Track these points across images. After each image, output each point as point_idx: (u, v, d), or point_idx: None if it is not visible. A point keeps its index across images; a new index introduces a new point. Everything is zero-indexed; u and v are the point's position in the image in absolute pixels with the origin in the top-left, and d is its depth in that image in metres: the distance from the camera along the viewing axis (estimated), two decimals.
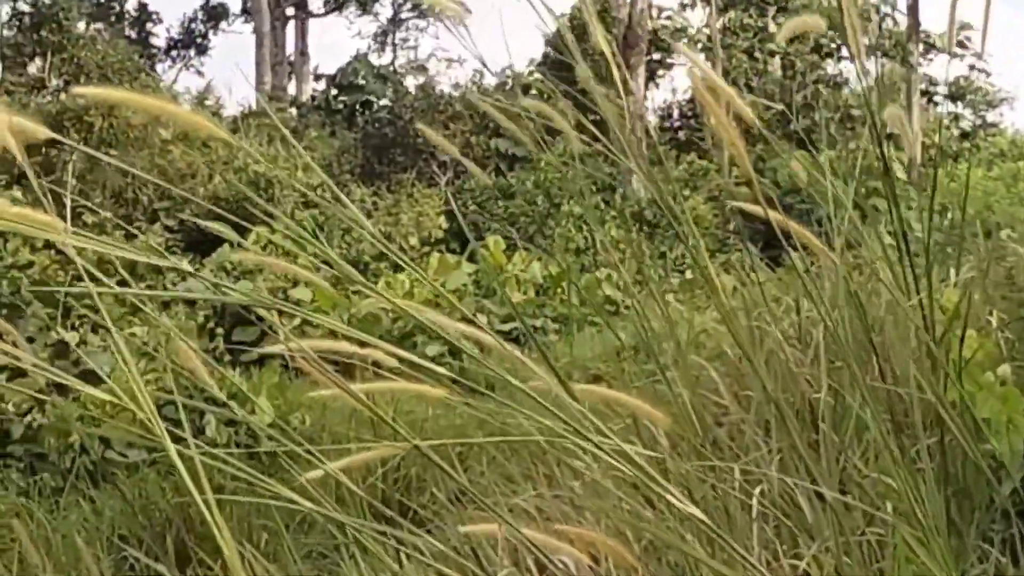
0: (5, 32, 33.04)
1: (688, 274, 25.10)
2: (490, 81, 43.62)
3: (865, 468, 3.39)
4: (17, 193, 29.32)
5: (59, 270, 23.70)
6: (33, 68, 34.76)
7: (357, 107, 44.01)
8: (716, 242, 31.11)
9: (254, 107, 42.15)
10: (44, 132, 1.89)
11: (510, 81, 42.91)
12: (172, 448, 1.77)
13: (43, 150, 31.51)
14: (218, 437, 9.43)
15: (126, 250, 2.03)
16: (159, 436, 1.88)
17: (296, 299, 21.42)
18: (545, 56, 43.19)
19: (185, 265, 2.13)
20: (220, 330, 20.27)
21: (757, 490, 3.35)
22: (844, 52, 39.97)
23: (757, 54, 42.55)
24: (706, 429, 3.59)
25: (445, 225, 33.58)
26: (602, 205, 32.66)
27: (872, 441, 3.43)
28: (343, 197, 2.65)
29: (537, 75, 41.34)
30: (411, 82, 46.27)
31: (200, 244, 30.54)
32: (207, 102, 39.23)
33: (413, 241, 29.22)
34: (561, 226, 32.60)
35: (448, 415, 14.24)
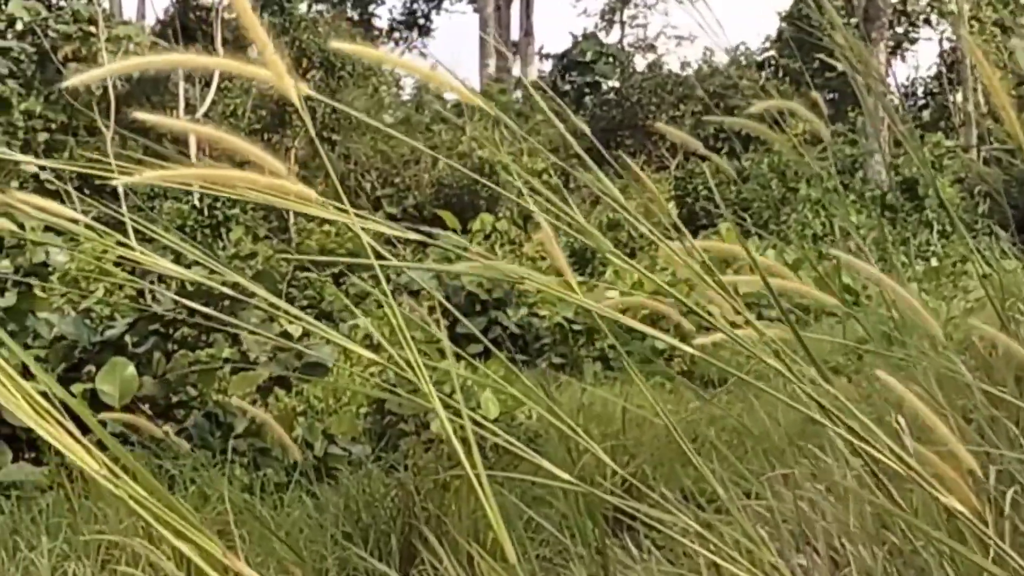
0: (226, 15, 33.83)
1: (933, 261, 24.62)
2: (721, 59, 43.35)
3: None
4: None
5: (281, 260, 24.23)
6: (254, 53, 35.62)
7: (584, 88, 44.08)
8: (963, 226, 30.48)
9: (478, 90, 42.58)
10: (304, 88, 1.92)
11: (743, 59, 42.56)
12: (444, 415, 1.78)
13: (264, 137, 32.22)
14: (442, 432, 9.53)
15: (387, 226, 2.05)
16: (434, 410, 1.90)
17: (521, 289, 21.53)
18: (779, 33, 42.75)
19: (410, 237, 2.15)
20: (444, 321, 20.47)
21: (1011, 491, 3.27)
22: None
23: (1011, 25, 41.50)
24: (961, 427, 3.51)
25: (675, 211, 33.45)
26: (841, 189, 32.20)
27: None
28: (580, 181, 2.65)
29: (771, 52, 40.93)
30: (639, 62, 46.13)
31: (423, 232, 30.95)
32: (429, 84, 39.68)
33: (642, 229, 29.17)
34: (797, 211, 32.24)
35: (679, 410, 14.18)
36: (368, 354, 1.98)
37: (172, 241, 1.98)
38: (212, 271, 2.03)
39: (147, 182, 1.81)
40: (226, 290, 2.03)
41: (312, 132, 1.84)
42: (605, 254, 2.25)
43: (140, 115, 1.89)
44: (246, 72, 1.86)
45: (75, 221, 1.94)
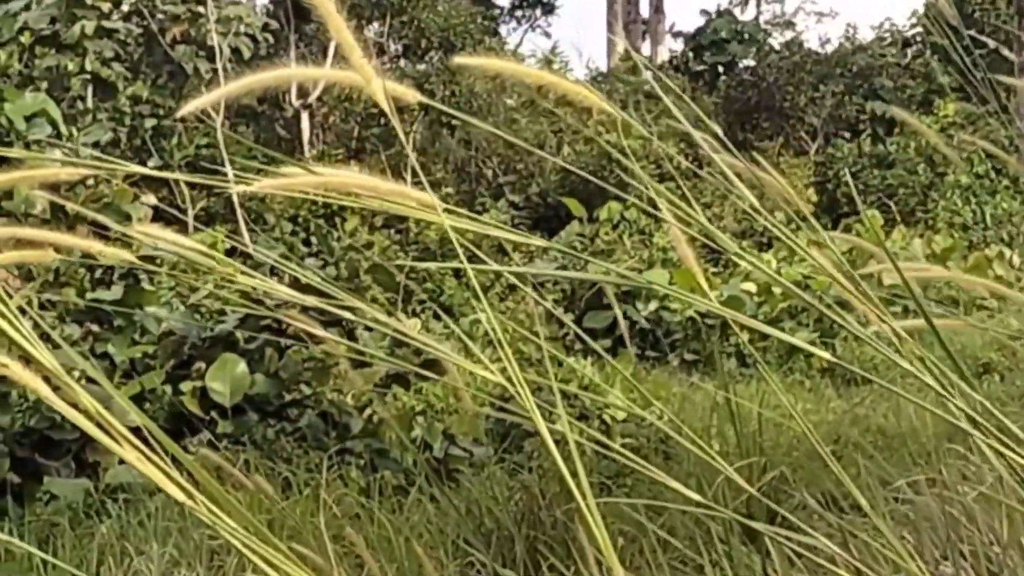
0: None
1: None
2: (865, 35, 42.93)
3: None
4: (355, 168, 30.24)
5: (399, 251, 24.37)
6: (371, 32, 35.67)
7: (719, 68, 43.83)
8: None
9: (604, 70, 42.49)
10: (414, 95, 1.94)
11: (888, 36, 42.11)
12: (547, 433, 1.79)
13: (381, 122, 32.38)
14: (568, 432, 9.54)
15: (501, 228, 2.06)
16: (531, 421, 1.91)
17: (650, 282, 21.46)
18: (928, 7, 42.25)
19: (537, 241, 2.16)
20: (570, 316, 20.51)
21: None
22: None
23: None
24: None
25: (814, 198, 33.20)
26: (992, 174, 31.81)
27: None
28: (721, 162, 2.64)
29: (919, 28, 40.46)
30: (776, 40, 45.78)
31: (548, 221, 30.95)
32: (553, 65, 39.64)
33: (779, 216, 28.98)
34: (946, 198, 31.86)
35: (819, 409, 14.07)
36: (467, 368, 1.99)
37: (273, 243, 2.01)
38: (326, 263, 2.04)
39: (265, 191, 1.84)
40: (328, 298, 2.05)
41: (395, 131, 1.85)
42: (730, 256, 2.24)
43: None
44: (348, 81, 1.89)
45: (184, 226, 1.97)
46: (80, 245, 1.89)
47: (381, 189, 1.92)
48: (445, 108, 2.22)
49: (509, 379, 1.84)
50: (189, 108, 1.89)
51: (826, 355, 2.37)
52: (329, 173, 1.92)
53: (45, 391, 1.55)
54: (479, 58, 2.10)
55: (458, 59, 2.15)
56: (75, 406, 1.58)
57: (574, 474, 1.76)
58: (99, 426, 1.56)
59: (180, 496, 1.53)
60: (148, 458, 1.56)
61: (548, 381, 2.02)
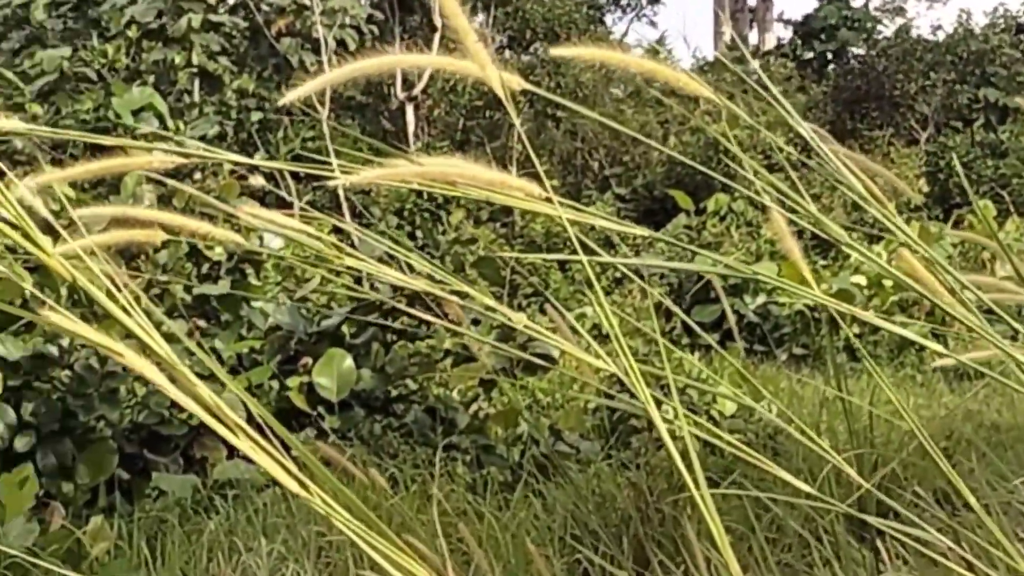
0: None
1: None
2: (978, 21, 42.48)
3: None
4: (459, 160, 30.33)
5: (504, 245, 24.41)
6: (475, 23, 35.81)
7: (828, 56, 43.54)
8: None
9: (711, 59, 42.33)
10: (519, 81, 1.94)
11: (1001, 21, 41.65)
12: (662, 425, 1.79)
13: (486, 114, 32.44)
14: (684, 424, 9.51)
15: (607, 219, 2.06)
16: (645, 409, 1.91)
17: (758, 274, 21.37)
18: None
19: (640, 230, 2.16)
20: (678, 309, 20.48)
21: None
22: None
23: None
24: None
25: (925, 188, 32.90)
26: None
27: None
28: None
29: None
30: (886, 27, 45.40)
31: (655, 214, 30.89)
32: (659, 55, 39.57)
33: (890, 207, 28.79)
34: None
35: (931, 404, 13.94)
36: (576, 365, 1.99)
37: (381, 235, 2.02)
38: (432, 256, 2.06)
39: (367, 182, 1.85)
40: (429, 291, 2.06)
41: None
42: (841, 246, 2.23)
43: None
44: (455, 68, 1.89)
45: (291, 213, 1.99)
46: (189, 225, 1.91)
47: (482, 179, 1.91)
48: (551, 96, 2.21)
49: (624, 369, 1.84)
50: (293, 96, 1.90)
51: (939, 348, 2.34)
52: (431, 163, 1.92)
53: (160, 379, 1.58)
54: (578, 48, 2.07)
55: (555, 50, 2.13)
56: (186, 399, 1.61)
57: (689, 467, 1.76)
58: (214, 417, 1.58)
59: (295, 487, 1.54)
60: (263, 448, 1.57)
61: (661, 373, 2.02)
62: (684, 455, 1.82)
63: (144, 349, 1.61)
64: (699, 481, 1.75)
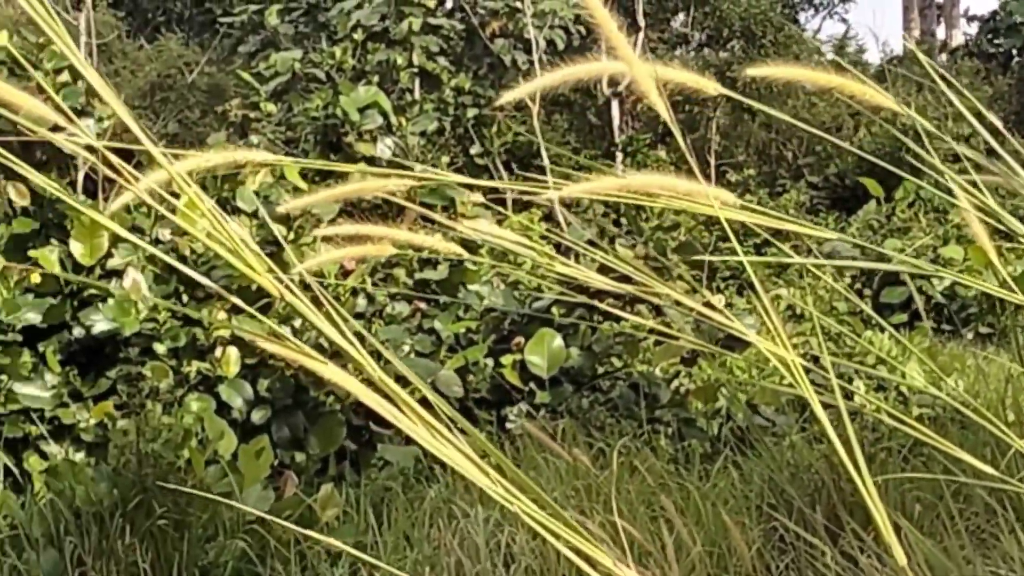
0: None
1: None
2: None
3: None
4: (661, 153, 30.26)
5: (704, 231, 24.29)
6: (676, 23, 35.66)
7: (1013, 52, 42.60)
8: None
9: (900, 53, 41.67)
10: (715, 87, 1.95)
11: None
12: (822, 412, 1.78)
13: (686, 108, 32.30)
14: (866, 403, 9.41)
15: (769, 214, 2.06)
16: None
17: (947, 258, 21.01)
18: None
19: (828, 233, 2.14)
20: (868, 291, 20.23)
21: None
22: None
23: None
24: None
25: None
26: None
27: None
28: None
29: None
30: None
31: (846, 201, 30.49)
32: (847, 50, 39.07)
33: None
34: None
35: None
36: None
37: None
38: (636, 243, 2.06)
39: (574, 196, 1.88)
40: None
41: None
42: (1018, 237, 2.19)
43: None
44: (614, 69, 1.91)
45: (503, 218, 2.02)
46: (414, 241, 1.95)
47: (680, 189, 1.93)
48: (743, 98, 2.22)
49: (803, 356, 1.82)
50: (509, 97, 1.93)
51: None
52: (633, 178, 1.94)
53: (355, 386, 1.59)
54: (771, 68, 2.10)
55: (751, 70, 2.16)
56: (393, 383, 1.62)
57: (854, 444, 1.74)
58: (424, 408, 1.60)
59: (481, 478, 1.55)
60: (445, 437, 1.59)
61: (852, 350, 2.01)
62: (874, 428, 1.80)
63: (363, 336, 1.64)
64: (859, 462, 1.72)
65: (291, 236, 11.39)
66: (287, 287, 1.55)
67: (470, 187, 13.84)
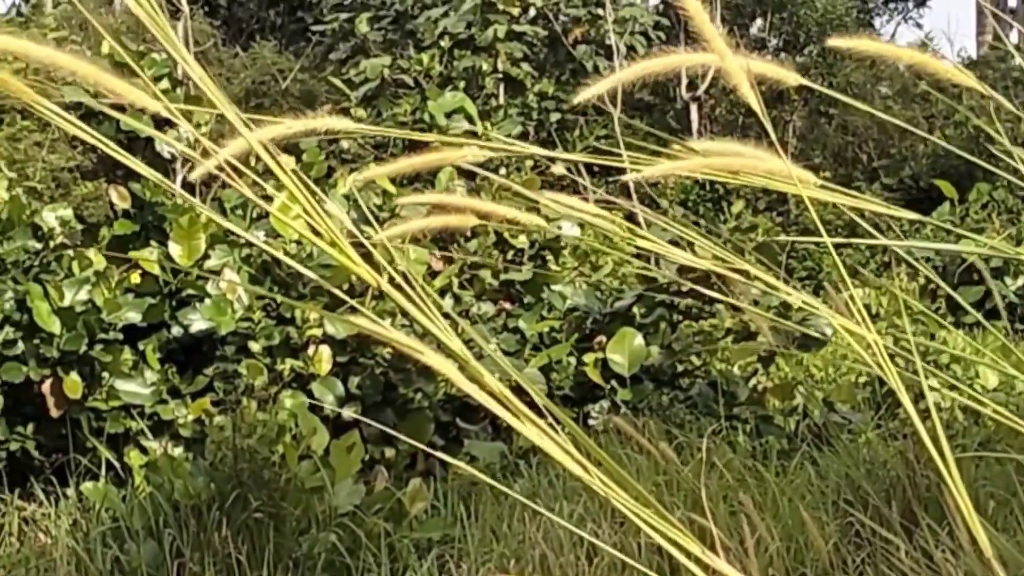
0: None
1: None
2: None
3: None
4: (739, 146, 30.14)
5: (781, 232, 24.18)
6: (754, 28, 35.52)
7: None
8: None
9: (974, 57, 41.30)
10: (795, 77, 1.93)
11: None
12: (912, 408, 1.76)
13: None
14: (941, 402, 9.33)
15: (849, 194, 2.04)
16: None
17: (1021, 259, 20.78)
18: None
19: (907, 213, 2.11)
20: (942, 292, 20.05)
21: None
22: None
23: None
24: None
25: None
26: None
27: None
28: None
29: None
30: None
31: (920, 203, 30.23)
32: (926, 49, 38.76)
33: None
34: None
35: None
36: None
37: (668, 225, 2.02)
38: (714, 244, 2.05)
39: (655, 175, 1.85)
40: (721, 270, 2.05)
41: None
42: None
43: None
44: (704, 61, 1.88)
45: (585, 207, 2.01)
46: (497, 211, 1.93)
47: (762, 167, 1.89)
48: (825, 91, 2.20)
49: (884, 347, 1.81)
50: (587, 94, 1.92)
51: None
52: (714, 149, 1.92)
53: (453, 374, 1.59)
54: (854, 40, 2.06)
55: (831, 41, 2.12)
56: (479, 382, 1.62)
57: (935, 441, 1.72)
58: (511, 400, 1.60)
59: (577, 470, 1.55)
60: (547, 434, 1.58)
61: (927, 348, 1.99)
62: (948, 425, 1.79)
63: (455, 327, 1.64)
64: (945, 451, 1.71)
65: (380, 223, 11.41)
66: (385, 276, 1.55)
67: (551, 160, 13.84)
